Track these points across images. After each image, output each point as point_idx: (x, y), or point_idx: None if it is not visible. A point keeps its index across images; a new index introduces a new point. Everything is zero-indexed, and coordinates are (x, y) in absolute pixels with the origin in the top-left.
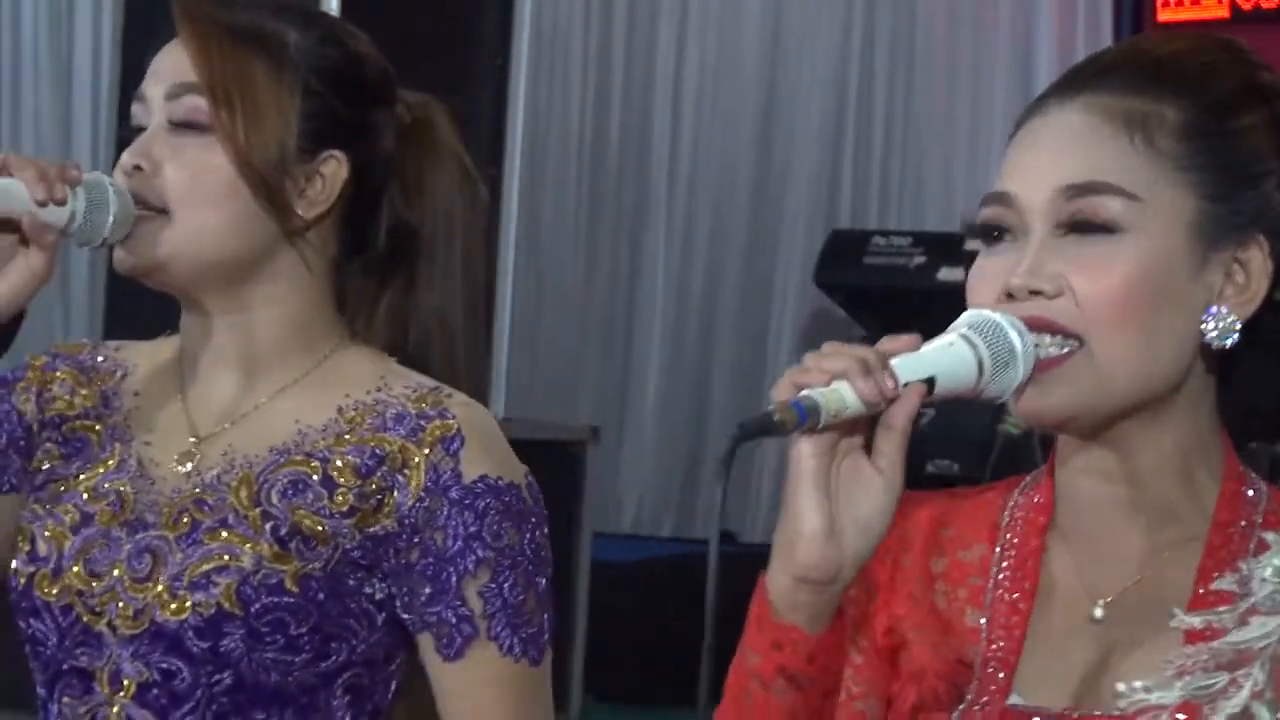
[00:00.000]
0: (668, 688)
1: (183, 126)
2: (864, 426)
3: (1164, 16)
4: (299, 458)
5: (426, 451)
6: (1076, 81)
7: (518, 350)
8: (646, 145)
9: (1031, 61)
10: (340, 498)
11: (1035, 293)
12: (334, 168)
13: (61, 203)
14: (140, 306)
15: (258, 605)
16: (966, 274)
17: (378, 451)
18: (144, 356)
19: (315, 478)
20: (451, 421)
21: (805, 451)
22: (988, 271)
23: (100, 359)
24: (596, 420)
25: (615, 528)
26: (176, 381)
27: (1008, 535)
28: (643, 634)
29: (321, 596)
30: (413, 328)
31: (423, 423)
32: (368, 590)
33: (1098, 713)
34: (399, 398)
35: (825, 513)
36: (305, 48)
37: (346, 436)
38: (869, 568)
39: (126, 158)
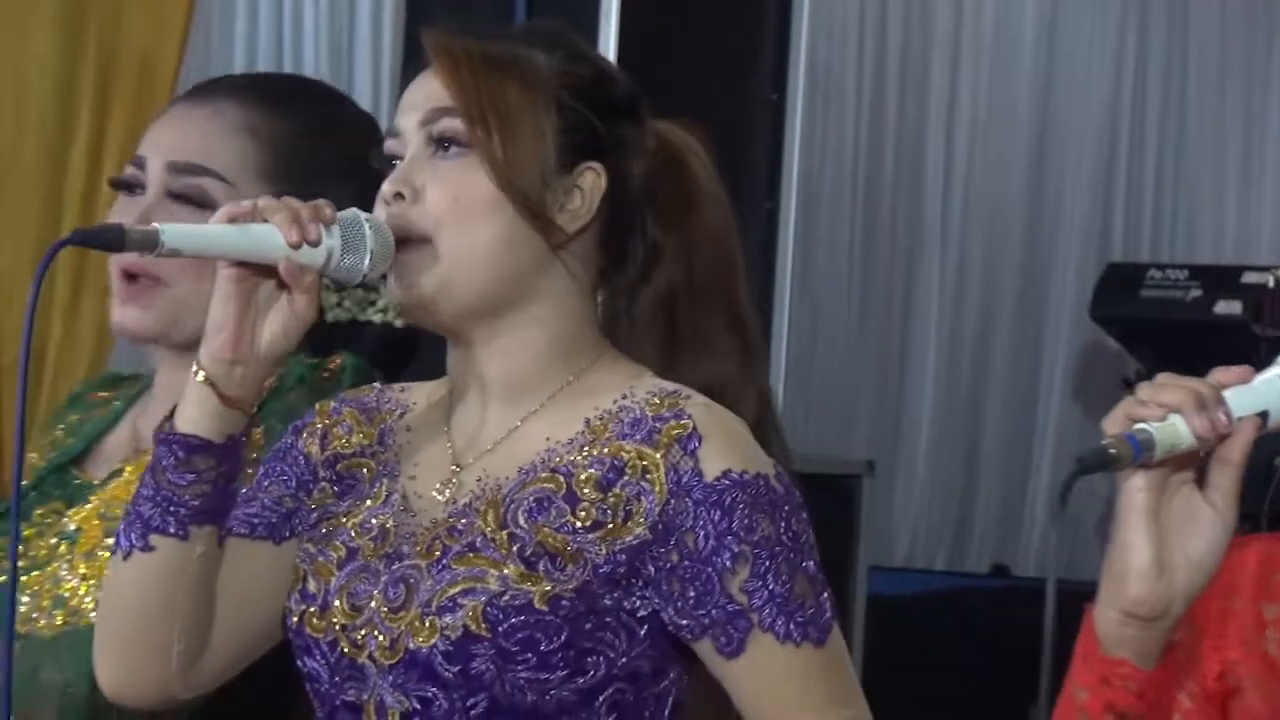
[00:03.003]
0: None
1: (441, 150)
2: (1194, 460)
3: None
4: (544, 474)
5: (663, 454)
6: None
7: (793, 384)
8: (920, 181)
9: None
10: (583, 513)
11: None
12: (592, 180)
13: (316, 243)
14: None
15: (505, 625)
16: (1243, 307)
17: (616, 462)
18: (423, 395)
19: (560, 494)
20: (687, 421)
21: (1137, 485)
22: None
23: (384, 399)
24: (871, 454)
25: (889, 561)
26: (444, 415)
27: None
28: (919, 667)
29: (574, 615)
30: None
31: (659, 424)
32: (627, 606)
33: None
34: (639, 403)
35: (1156, 547)
36: (554, 67)
37: (589, 449)
38: (1196, 609)
39: (387, 186)
